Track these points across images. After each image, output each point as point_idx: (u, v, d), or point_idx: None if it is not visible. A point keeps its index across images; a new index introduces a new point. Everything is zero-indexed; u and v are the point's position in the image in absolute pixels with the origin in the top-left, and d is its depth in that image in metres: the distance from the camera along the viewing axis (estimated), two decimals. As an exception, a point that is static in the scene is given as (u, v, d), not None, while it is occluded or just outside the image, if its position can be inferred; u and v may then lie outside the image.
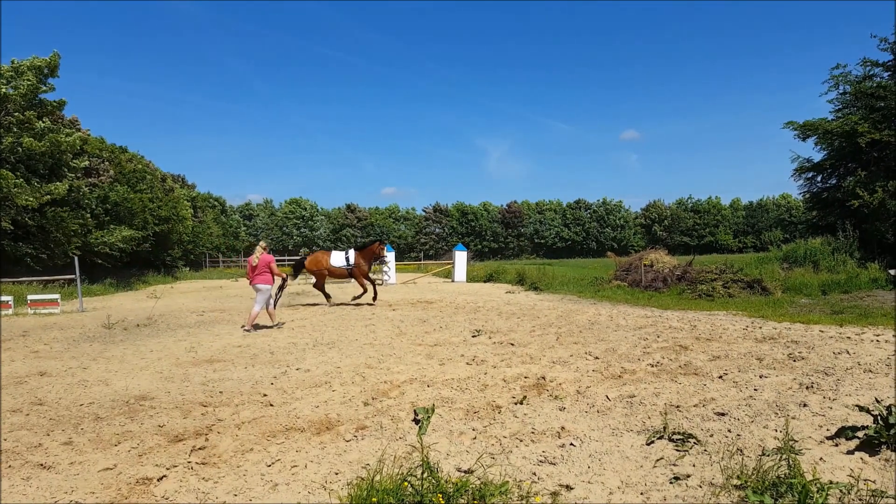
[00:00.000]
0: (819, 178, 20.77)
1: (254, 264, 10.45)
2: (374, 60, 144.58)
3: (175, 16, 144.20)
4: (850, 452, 3.46)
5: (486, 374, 6.15)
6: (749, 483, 3.03)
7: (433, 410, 4.62)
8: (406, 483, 3.05)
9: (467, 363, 6.78)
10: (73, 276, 16.32)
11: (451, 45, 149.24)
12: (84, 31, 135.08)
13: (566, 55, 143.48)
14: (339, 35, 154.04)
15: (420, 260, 50.02)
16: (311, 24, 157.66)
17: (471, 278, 25.89)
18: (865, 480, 3.06)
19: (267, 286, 10.45)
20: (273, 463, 3.74)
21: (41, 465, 3.82)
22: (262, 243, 10.82)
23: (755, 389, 5.04)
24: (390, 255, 26.08)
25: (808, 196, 21.60)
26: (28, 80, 20.44)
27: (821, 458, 3.40)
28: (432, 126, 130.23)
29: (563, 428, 4.21)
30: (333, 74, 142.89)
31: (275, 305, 11.27)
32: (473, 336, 8.82)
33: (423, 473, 3.14)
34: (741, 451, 3.59)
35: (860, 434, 3.58)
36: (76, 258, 16.58)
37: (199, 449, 4.04)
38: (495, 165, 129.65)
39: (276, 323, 10.83)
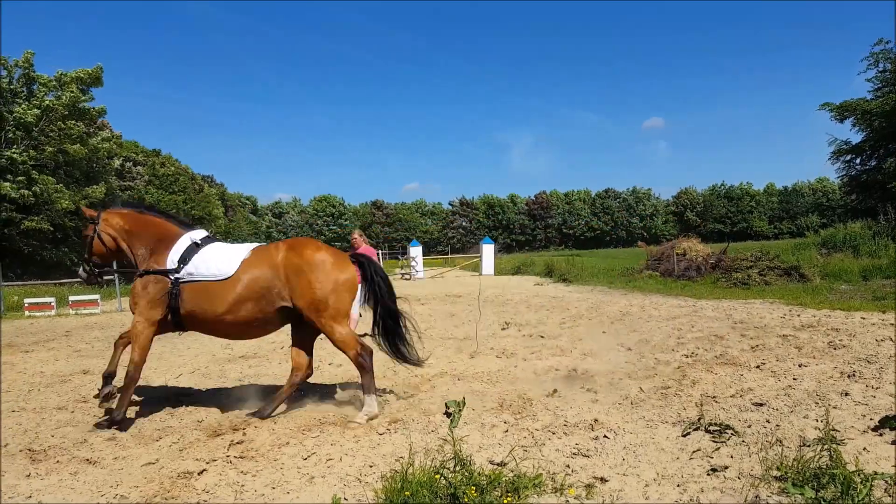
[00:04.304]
0: (858, 161, 20.12)
1: None
2: (395, 59, 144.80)
3: (199, 20, 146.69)
4: (894, 443, 3.35)
5: (516, 366, 6.14)
6: (789, 474, 2.96)
7: (464, 404, 4.63)
8: (438, 475, 3.07)
9: (497, 356, 6.77)
10: (111, 278, 16.79)
11: (470, 41, 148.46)
12: (116, 35, 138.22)
13: (584, 45, 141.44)
14: (361, 35, 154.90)
15: (447, 254, 49.99)
16: (335, 24, 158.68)
17: (499, 271, 25.81)
18: (913, 471, 2.96)
19: None
20: (309, 456, 3.80)
21: (87, 460, 3.95)
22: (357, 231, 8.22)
23: (794, 379, 4.91)
24: (417, 250, 26.25)
25: (846, 179, 20.95)
26: (71, 91, 21.15)
27: (864, 449, 3.30)
28: (454, 121, 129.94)
29: (596, 420, 4.18)
30: (355, 73, 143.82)
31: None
32: (503, 329, 8.80)
33: (455, 466, 3.15)
34: (780, 441, 3.51)
35: (906, 424, 3.46)
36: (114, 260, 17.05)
37: (238, 443, 4.12)
38: (519, 159, 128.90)
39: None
